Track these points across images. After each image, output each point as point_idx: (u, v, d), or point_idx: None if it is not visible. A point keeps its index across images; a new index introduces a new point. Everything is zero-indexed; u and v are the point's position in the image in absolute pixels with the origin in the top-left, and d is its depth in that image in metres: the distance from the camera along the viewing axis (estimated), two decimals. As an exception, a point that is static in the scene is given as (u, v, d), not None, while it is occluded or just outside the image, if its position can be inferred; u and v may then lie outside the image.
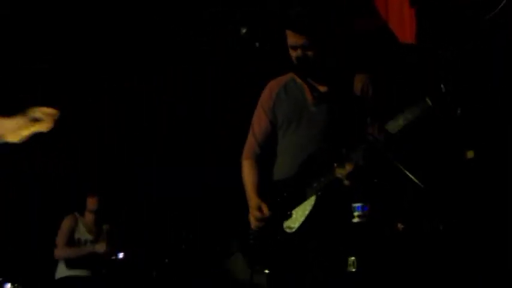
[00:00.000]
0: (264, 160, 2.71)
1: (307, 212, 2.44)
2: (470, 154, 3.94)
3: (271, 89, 2.70)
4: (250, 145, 2.75)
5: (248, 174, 2.69)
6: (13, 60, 4.80)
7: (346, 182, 2.37)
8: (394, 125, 2.30)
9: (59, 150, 5.28)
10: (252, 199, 2.60)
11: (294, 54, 2.49)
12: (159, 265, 4.41)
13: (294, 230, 2.46)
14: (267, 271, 2.55)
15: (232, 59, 5.04)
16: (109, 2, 4.73)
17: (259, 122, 2.72)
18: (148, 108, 5.35)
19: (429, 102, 2.24)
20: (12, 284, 3.94)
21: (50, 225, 4.78)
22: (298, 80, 2.58)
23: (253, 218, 2.53)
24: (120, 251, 4.25)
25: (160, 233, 4.91)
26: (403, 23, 4.28)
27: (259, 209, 2.52)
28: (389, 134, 2.29)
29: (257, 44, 2.34)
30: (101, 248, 4.47)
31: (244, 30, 2.34)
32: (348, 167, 2.34)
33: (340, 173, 2.36)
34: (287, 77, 2.69)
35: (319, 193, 2.43)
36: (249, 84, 5.05)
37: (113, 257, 4.20)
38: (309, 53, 2.46)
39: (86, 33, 4.92)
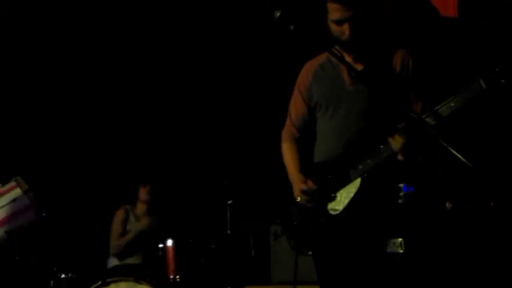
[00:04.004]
0: (304, 142, 2.69)
1: (351, 195, 2.41)
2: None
3: (307, 70, 2.67)
4: (287, 128, 2.75)
5: (288, 155, 2.70)
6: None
7: (400, 156, 2.32)
8: (446, 108, 2.22)
9: (109, 142, 5.41)
10: (295, 175, 2.60)
11: (338, 29, 2.42)
12: (206, 251, 4.46)
13: (338, 212, 2.44)
14: (310, 253, 2.54)
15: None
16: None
17: (295, 105, 2.71)
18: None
19: (483, 85, 2.14)
20: (65, 274, 4.06)
21: (102, 215, 4.90)
22: (334, 60, 2.51)
23: (299, 192, 2.53)
24: (169, 239, 4.31)
25: (206, 220, 4.96)
26: (444, -4, 4.14)
27: (304, 183, 2.51)
28: (439, 116, 2.22)
29: (292, 27, 2.29)
30: (144, 224, 4.56)
31: (278, 14, 2.29)
32: (401, 139, 2.29)
33: (394, 145, 2.32)
34: (322, 57, 2.63)
35: (364, 175, 2.39)
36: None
37: (162, 245, 4.27)
38: (355, 27, 2.39)
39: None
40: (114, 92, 5.39)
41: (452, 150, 2.09)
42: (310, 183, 2.51)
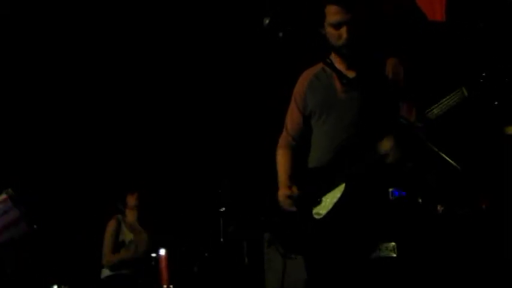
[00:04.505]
0: (299, 150, 2.73)
1: (335, 200, 2.43)
2: (510, 130, 3.81)
3: (303, 79, 2.71)
4: (283, 137, 2.80)
5: (280, 161, 2.74)
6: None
7: (388, 160, 2.33)
8: (429, 115, 2.26)
9: (100, 151, 5.38)
10: (282, 180, 2.65)
11: (336, 33, 2.42)
12: (199, 260, 4.45)
13: (321, 216, 2.46)
14: (293, 256, 2.57)
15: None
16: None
17: (291, 114, 2.75)
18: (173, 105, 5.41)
19: (465, 92, 2.18)
20: (58, 286, 4.03)
21: (95, 226, 4.87)
22: (328, 69, 2.54)
23: (283, 196, 2.57)
24: (161, 248, 4.29)
25: (199, 228, 4.95)
26: (432, 0, 4.16)
27: (289, 188, 2.55)
28: (428, 120, 2.25)
29: (280, 34, 2.30)
30: (139, 250, 4.55)
31: (267, 21, 2.30)
32: (388, 143, 2.31)
33: (381, 148, 2.33)
34: (318, 67, 2.66)
35: (349, 180, 2.41)
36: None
37: (154, 254, 4.25)
38: (353, 30, 2.40)
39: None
40: (104, 95, 5.36)
41: (442, 154, 2.11)
42: (294, 188, 2.54)
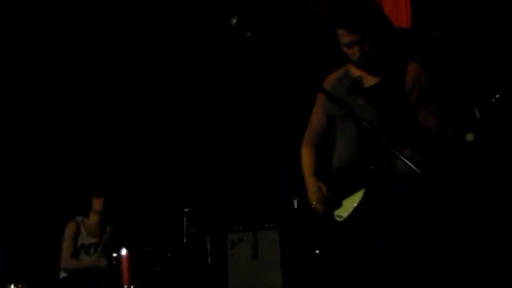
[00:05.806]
0: (323, 148, 2.82)
1: (355, 204, 2.48)
2: (469, 137, 3.89)
3: (327, 82, 2.79)
4: (307, 135, 2.89)
5: (305, 159, 2.83)
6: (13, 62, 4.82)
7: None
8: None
9: (64, 152, 5.28)
10: (310, 181, 2.71)
11: (349, 51, 2.53)
12: (162, 260, 4.40)
13: (342, 219, 2.52)
14: (317, 251, 2.63)
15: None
16: (106, 2, 4.75)
17: (315, 114, 2.84)
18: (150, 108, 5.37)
19: (477, 114, 2.24)
20: (15, 285, 3.94)
21: (54, 225, 4.77)
22: (351, 73, 2.65)
23: (314, 200, 2.63)
24: (123, 248, 4.23)
25: (162, 228, 4.91)
26: (398, 7, 4.23)
27: (319, 190, 2.61)
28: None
29: (248, 34, 2.30)
30: (101, 263, 4.45)
31: (234, 20, 2.30)
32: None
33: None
34: (341, 71, 2.75)
35: (369, 185, 2.46)
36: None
37: (115, 254, 4.18)
38: (366, 47, 2.48)
39: (85, 33, 4.93)
40: (80, 95, 5.29)
41: (403, 158, 2.14)
42: (323, 189, 2.61)
